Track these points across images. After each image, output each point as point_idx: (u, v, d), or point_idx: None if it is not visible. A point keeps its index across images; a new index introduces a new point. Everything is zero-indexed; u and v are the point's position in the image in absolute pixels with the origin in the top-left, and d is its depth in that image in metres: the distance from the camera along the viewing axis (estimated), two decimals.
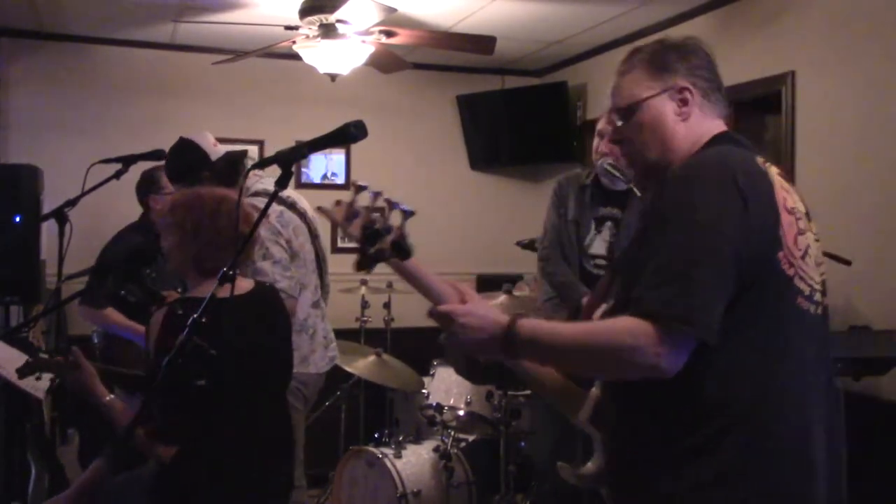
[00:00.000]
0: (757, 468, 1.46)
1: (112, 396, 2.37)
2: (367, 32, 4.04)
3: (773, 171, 1.57)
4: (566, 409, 1.83)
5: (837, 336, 3.12)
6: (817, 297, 1.57)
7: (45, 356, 2.51)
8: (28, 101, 5.00)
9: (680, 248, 1.44)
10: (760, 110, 4.19)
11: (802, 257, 1.52)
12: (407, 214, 1.56)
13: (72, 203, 3.11)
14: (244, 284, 2.44)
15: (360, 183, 1.63)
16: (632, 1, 4.24)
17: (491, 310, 1.57)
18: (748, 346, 1.47)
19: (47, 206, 3.71)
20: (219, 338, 2.00)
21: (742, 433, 1.46)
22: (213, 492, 2.28)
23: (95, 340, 3.79)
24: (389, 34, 4.08)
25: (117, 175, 3.19)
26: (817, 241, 1.61)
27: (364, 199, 1.62)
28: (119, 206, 4.36)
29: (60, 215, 3.10)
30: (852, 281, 3.39)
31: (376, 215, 1.57)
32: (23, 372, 2.48)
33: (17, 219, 3.80)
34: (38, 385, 2.98)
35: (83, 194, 3.13)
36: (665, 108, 1.64)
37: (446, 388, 3.87)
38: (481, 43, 4.15)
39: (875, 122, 3.46)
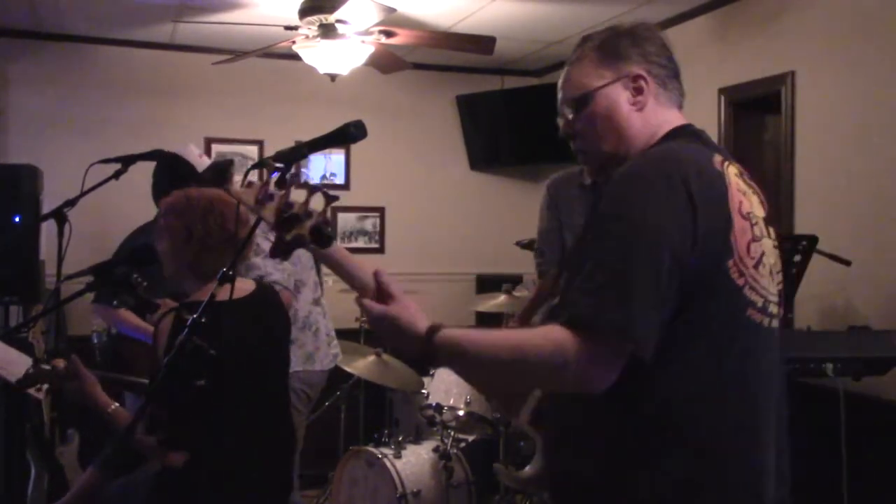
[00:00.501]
0: (697, 492, 1.37)
1: (116, 406, 2.33)
2: (367, 32, 4.04)
3: (733, 171, 1.46)
4: (506, 409, 1.73)
5: (837, 336, 3.12)
6: (772, 308, 1.44)
7: (46, 367, 2.48)
8: (28, 101, 5.00)
9: (617, 252, 1.33)
10: (760, 110, 4.19)
11: (755, 266, 1.40)
12: (330, 199, 1.41)
13: (71, 203, 3.11)
14: (245, 286, 2.42)
15: (276, 163, 1.49)
16: (632, 1, 4.24)
17: (411, 314, 1.41)
18: (693, 362, 1.37)
19: (47, 207, 3.70)
20: (220, 340, 1.96)
21: (683, 455, 1.37)
22: (215, 493, 2.28)
23: (95, 341, 3.78)
24: (389, 34, 4.08)
25: (116, 175, 3.19)
26: (776, 247, 1.50)
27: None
28: (118, 207, 4.36)
29: (60, 215, 3.10)
30: (852, 281, 3.39)
31: (294, 199, 1.42)
32: (22, 384, 2.46)
33: (17, 219, 3.80)
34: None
35: (82, 194, 3.12)
36: (619, 97, 1.54)
37: (446, 388, 3.86)
38: (481, 43, 4.15)
39: (875, 123, 3.46)
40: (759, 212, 1.47)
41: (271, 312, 2.53)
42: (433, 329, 1.39)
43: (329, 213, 1.42)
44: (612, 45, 1.58)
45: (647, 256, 1.31)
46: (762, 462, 1.42)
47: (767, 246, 1.46)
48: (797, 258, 3.04)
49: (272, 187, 1.46)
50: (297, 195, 1.44)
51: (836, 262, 3.24)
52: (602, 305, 1.30)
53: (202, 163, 3.12)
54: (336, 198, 1.42)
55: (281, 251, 1.43)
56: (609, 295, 1.30)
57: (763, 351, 1.44)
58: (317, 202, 1.43)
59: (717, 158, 1.46)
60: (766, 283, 1.43)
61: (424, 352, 1.40)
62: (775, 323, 1.47)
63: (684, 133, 1.54)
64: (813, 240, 3.07)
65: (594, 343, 1.29)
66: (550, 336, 1.32)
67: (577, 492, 1.48)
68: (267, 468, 2.43)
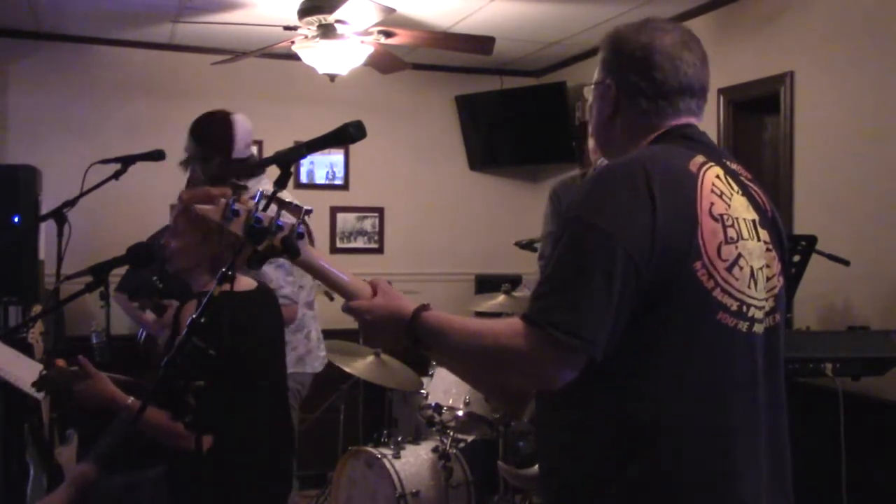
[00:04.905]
0: (663, 495, 1.36)
1: (133, 399, 2.33)
2: (366, 33, 4.04)
3: (713, 172, 1.44)
4: (511, 409, 1.77)
5: (836, 336, 3.12)
6: (752, 312, 1.41)
7: (59, 369, 2.46)
8: (27, 101, 5.00)
9: (571, 254, 1.35)
10: (760, 110, 4.19)
11: (729, 269, 1.38)
12: (304, 212, 1.53)
13: (70, 203, 3.11)
14: (247, 282, 2.48)
15: (240, 182, 1.61)
16: (632, 1, 4.24)
17: (399, 300, 1.50)
18: (660, 364, 1.36)
19: (46, 207, 3.71)
20: (232, 330, 2.08)
21: (651, 457, 1.35)
22: (231, 482, 2.32)
23: (94, 341, 3.79)
24: (388, 34, 4.08)
25: (116, 175, 3.19)
26: (769, 251, 1.47)
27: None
28: (118, 207, 4.36)
29: (59, 216, 3.09)
30: (851, 281, 3.39)
31: (264, 213, 1.52)
32: (39, 387, 2.44)
33: (16, 219, 3.80)
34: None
35: (82, 195, 3.12)
36: (600, 99, 1.58)
37: (445, 388, 3.86)
38: (480, 43, 4.15)
39: (874, 122, 3.46)
40: (747, 214, 1.45)
41: (276, 309, 2.61)
42: (421, 308, 1.47)
43: (306, 224, 1.53)
44: (603, 48, 1.60)
45: (599, 258, 1.32)
46: (737, 468, 1.39)
47: (751, 248, 1.43)
48: (796, 258, 3.04)
49: (237, 204, 1.54)
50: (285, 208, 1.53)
51: (836, 262, 3.25)
52: (551, 309, 1.32)
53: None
54: (309, 211, 1.54)
55: (254, 262, 1.54)
56: (558, 298, 1.33)
57: (741, 359, 1.41)
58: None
59: (698, 160, 1.45)
60: (745, 286, 1.40)
61: (411, 328, 1.45)
62: (759, 328, 1.43)
63: (671, 135, 1.52)
64: (812, 240, 3.08)
65: (544, 341, 1.32)
66: (511, 326, 1.36)
67: (557, 490, 1.49)
68: (273, 457, 2.49)
